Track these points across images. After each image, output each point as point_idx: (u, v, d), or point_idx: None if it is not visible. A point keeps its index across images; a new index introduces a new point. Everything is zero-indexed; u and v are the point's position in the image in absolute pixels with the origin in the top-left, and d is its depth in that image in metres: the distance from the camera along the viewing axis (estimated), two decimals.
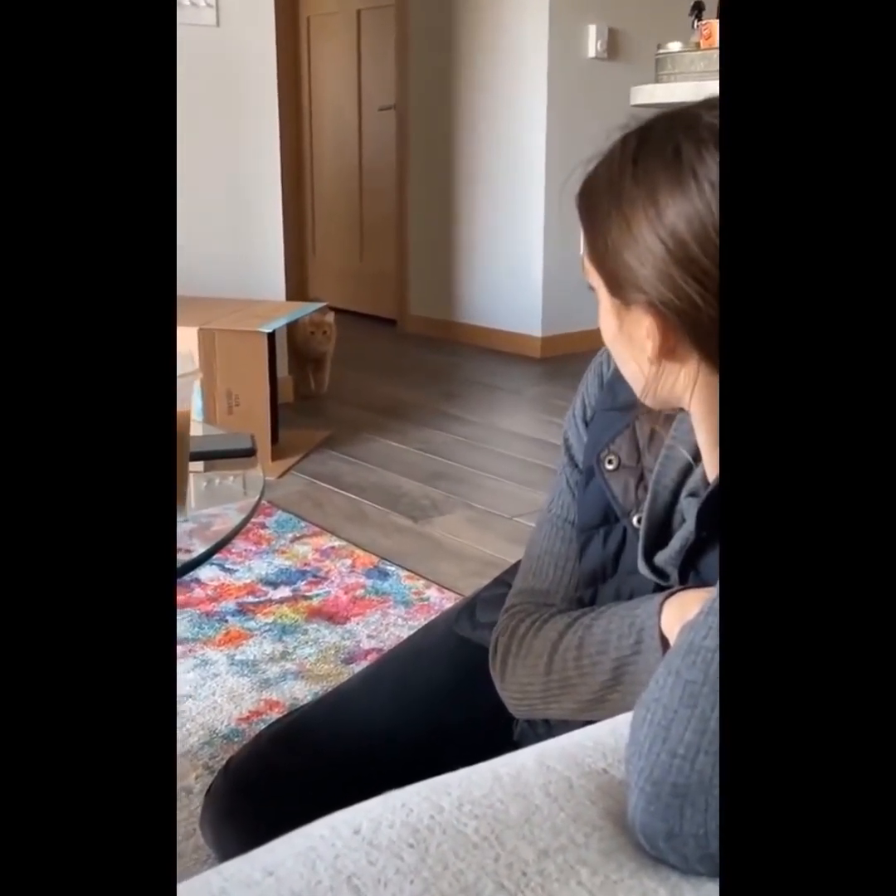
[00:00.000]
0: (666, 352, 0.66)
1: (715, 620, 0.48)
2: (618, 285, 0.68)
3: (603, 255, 0.68)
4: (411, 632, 1.10)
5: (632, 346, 0.69)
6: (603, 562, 0.81)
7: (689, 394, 0.68)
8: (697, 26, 2.78)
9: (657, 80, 2.75)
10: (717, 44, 2.56)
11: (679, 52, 2.73)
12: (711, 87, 2.40)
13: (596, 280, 0.70)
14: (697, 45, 2.69)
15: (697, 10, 2.97)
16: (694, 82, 2.54)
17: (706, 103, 0.65)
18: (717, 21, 2.64)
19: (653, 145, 0.65)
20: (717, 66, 2.52)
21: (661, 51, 2.78)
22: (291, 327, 3.69)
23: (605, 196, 0.68)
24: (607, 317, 0.71)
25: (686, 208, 0.62)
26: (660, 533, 0.77)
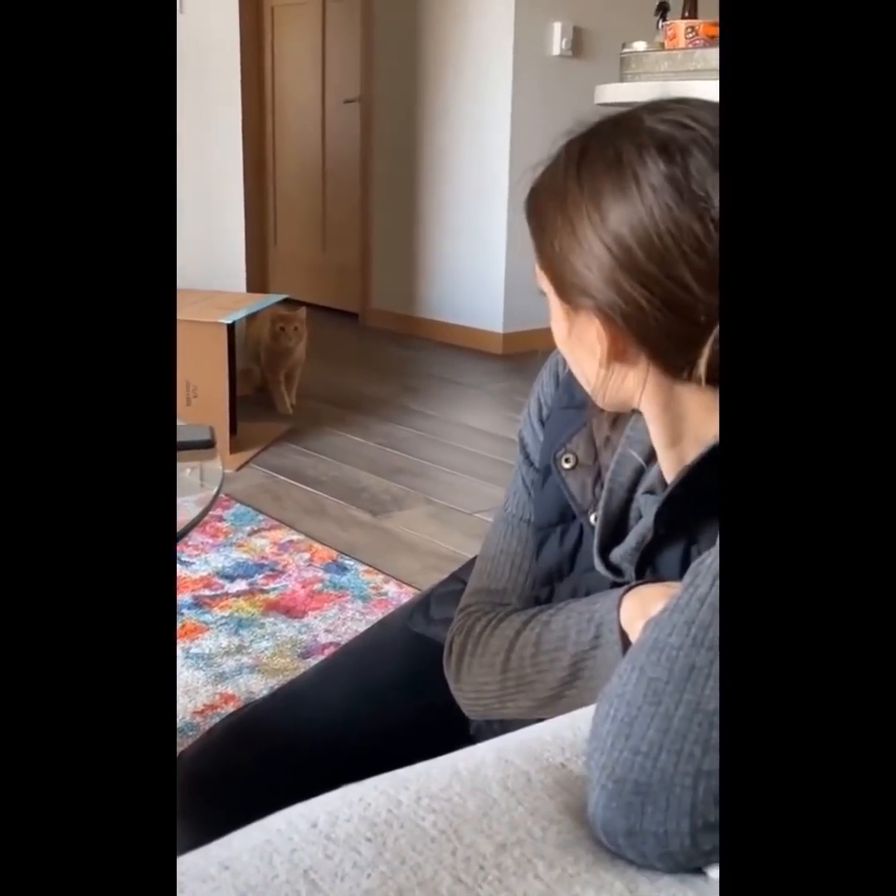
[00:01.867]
0: (615, 355, 0.68)
1: (679, 618, 0.49)
2: (566, 290, 0.69)
3: (551, 261, 0.69)
4: (369, 626, 1.10)
5: (582, 348, 0.70)
6: (559, 560, 0.81)
7: (639, 395, 0.69)
8: (662, 26, 2.80)
9: (622, 79, 2.77)
10: (681, 44, 2.58)
11: (644, 51, 2.74)
12: (675, 87, 2.41)
13: (546, 284, 0.72)
14: (662, 45, 2.71)
15: (662, 11, 2.99)
16: (658, 82, 2.56)
17: (649, 106, 0.67)
18: (683, 22, 2.66)
19: (596, 151, 0.66)
20: (680, 67, 2.54)
21: (626, 50, 2.79)
22: (252, 329, 3.39)
23: (551, 201, 0.69)
24: (558, 320, 0.72)
25: (629, 213, 0.63)
26: (615, 530, 0.77)
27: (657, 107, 0.66)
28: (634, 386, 0.69)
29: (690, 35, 2.58)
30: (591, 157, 0.66)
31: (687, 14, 2.84)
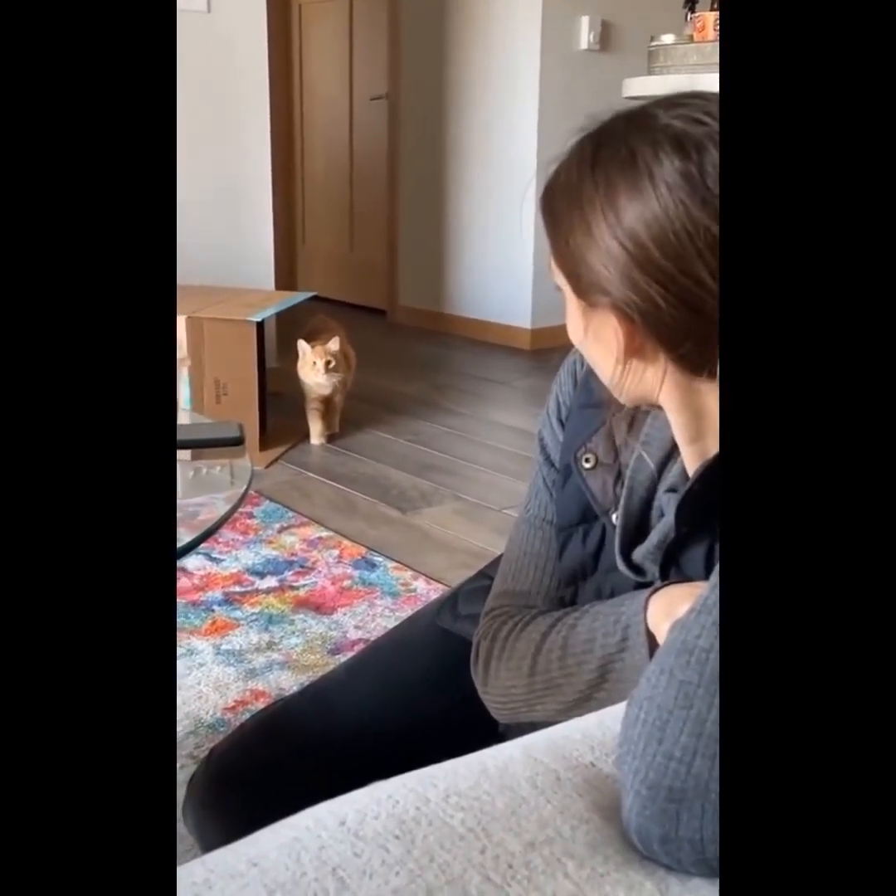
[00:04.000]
0: (632, 351, 0.67)
1: (708, 619, 0.48)
2: (582, 287, 0.68)
3: (567, 258, 0.69)
4: (398, 623, 1.10)
5: (599, 345, 0.70)
6: (583, 560, 0.81)
7: (658, 391, 0.69)
8: (691, 19, 2.78)
9: (650, 73, 2.75)
10: (710, 36, 2.55)
11: (672, 44, 2.72)
12: (704, 80, 2.39)
13: (562, 281, 0.71)
14: (691, 38, 2.68)
15: (691, 3, 2.97)
16: (687, 75, 2.54)
17: (662, 102, 0.66)
18: (712, 13, 2.64)
19: (610, 148, 0.66)
20: (710, 59, 2.52)
21: (654, 43, 2.77)
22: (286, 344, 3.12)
23: (566, 200, 0.69)
24: (574, 318, 0.72)
25: (644, 211, 0.63)
26: (637, 529, 0.77)
27: (671, 102, 0.66)
28: (653, 382, 0.69)
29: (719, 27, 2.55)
30: (605, 156, 0.66)
31: (716, 6, 2.82)
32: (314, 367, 2.96)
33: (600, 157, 0.66)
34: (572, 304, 0.71)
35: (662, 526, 0.74)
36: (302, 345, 2.99)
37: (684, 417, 0.70)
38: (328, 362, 2.96)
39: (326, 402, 3.09)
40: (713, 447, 0.69)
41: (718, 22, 2.56)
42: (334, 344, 2.98)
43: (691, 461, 0.73)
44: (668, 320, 0.64)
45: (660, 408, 0.72)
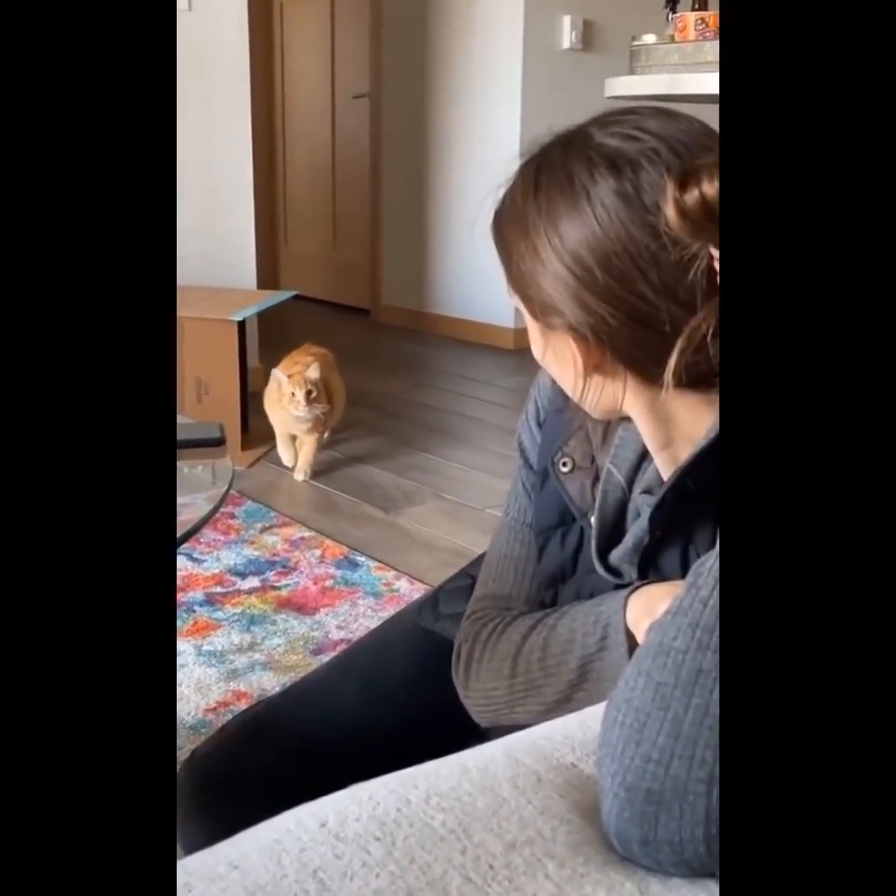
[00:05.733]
0: (591, 368, 0.69)
1: (683, 620, 0.48)
2: (537, 310, 0.70)
3: (519, 282, 0.71)
4: (380, 623, 1.10)
5: (561, 363, 0.72)
6: (562, 562, 0.82)
7: (622, 402, 0.71)
8: (672, 19, 2.78)
9: (632, 72, 2.75)
10: (691, 36, 2.56)
11: (653, 44, 2.72)
12: (686, 80, 2.40)
13: (518, 303, 0.73)
14: (672, 38, 2.69)
15: (672, 3, 2.97)
16: (668, 75, 2.54)
17: (597, 120, 0.68)
18: (692, 14, 2.64)
19: (549, 171, 0.68)
20: (691, 59, 2.53)
21: (636, 43, 2.78)
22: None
23: (513, 226, 0.71)
24: (535, 339, 0.73)
25: (585, 233, 0.64)
26: (613, 530, 0.77)
27: (606, 120, 0.67)
28: (616, 394, 0.70)
29: (700, 27, 2.56)
30: (546, 178, 0.67)
31: (696, 6, 2.82)
32: (292, 399, 2.60)
33: (541, 181, 0.68)
34: (531, 325, 0.73)
35: (637, 528, 0.75)
36: (276, 375, 2.65)
37: (651, 426, 0.71)
38: (309, 392, 2.59)
39: (298, 439, 2.75)
40: (684, 452, 0.70)
41: (700, 22, 2.57)
42: (314, 371, 2.62)
43: (663, 467, 0.74)
44: (621, 336, 0.66)
45: (628, 419, 0.73)
